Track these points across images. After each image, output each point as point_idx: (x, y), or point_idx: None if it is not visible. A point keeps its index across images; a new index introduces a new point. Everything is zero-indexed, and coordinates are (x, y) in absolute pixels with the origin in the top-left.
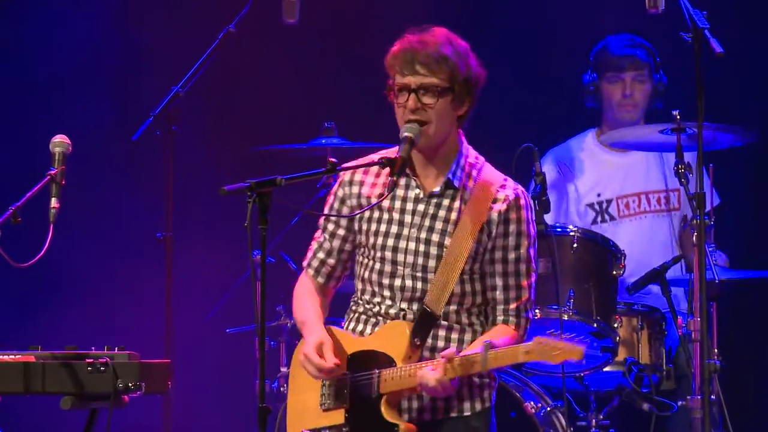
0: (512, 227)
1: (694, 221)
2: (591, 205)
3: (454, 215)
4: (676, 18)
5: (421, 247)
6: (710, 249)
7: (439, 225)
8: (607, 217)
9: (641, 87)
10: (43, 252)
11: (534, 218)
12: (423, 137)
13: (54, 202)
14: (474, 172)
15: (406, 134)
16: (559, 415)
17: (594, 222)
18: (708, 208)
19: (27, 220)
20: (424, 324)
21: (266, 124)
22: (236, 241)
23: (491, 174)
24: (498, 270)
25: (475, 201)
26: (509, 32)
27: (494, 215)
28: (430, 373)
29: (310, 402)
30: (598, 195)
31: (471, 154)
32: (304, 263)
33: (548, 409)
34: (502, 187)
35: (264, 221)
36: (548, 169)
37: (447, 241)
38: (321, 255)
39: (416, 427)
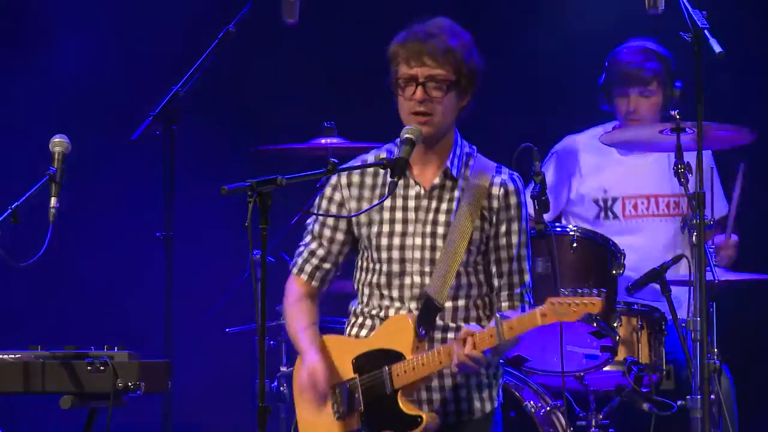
0: (514, 212)
1: (694, 221)
2: (596, 201)
3: (454, 205)
4: (677, 18)
5: (428, 241)
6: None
7: (442, 217)
8: (610, 215)
9: (647, 101)
10: (42, 251)
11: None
12: (429, 126)
13: (53, 202)
14: (471, 161)
15: (407, 136)
16: (559, 415)
17: (596, 218)
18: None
19: (27, 219)
20: (428, 313)
21: (266, 124)
22: (236, 240)
23: (485, 162)
24: (504, 256)
25: (472, 189)
26: (510, 31)
27: (494, 202)
28: (459, 349)
29: (323, 414)
30: (605, 191)
31: (465, 143)
32: (294, 269)
33: (548, 408)
34: (498, 173)
35: (264, 221)
36: (551, 162)
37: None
38: (315, 261)
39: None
